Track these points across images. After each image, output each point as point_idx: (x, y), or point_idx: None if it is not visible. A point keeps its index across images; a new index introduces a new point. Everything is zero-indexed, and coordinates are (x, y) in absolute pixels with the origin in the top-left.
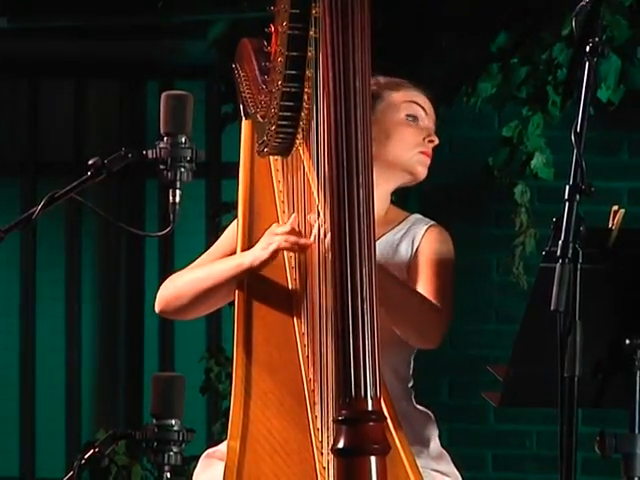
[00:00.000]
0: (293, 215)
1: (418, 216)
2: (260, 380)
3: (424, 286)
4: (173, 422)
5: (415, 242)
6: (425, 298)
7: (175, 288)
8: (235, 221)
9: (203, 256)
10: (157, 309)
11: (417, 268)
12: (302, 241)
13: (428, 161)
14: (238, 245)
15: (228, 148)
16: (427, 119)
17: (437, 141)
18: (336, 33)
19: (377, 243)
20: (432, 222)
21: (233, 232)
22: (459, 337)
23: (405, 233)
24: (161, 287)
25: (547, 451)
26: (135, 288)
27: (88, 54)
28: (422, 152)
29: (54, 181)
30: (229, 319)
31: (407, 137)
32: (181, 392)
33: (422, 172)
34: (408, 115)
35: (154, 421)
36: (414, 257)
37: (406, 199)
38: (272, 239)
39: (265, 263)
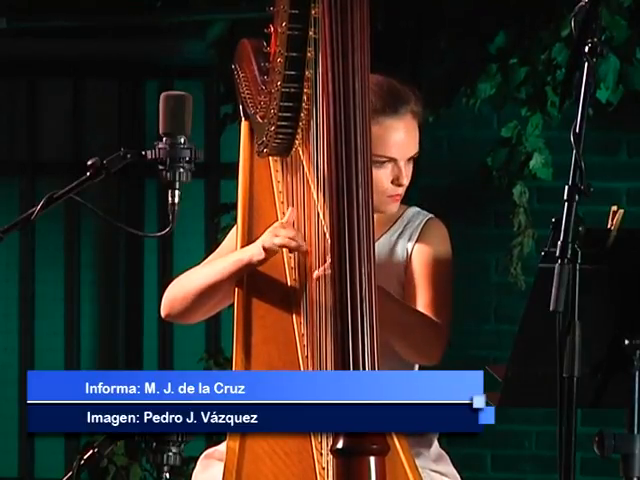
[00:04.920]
0: (290, 209)
1: (414, 209)
2: None
3: (422, 297)
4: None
5: (411, 243)
6: (423, 316)
7: (178, 289)
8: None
9: (205, 261)
10: (163, 314)
11: (414, 274)
12: (303, 248)
13: (397, 201)
14: (238, 245)
15: (227, 149)
16: (400, 157)
17: (406, 183)
18: (335, 33)
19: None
20: (428, 216)
21: (234, 237)
22: (457, 337)
23: (402, 232)
24: (165, 293)
25: (546, 451)
26: (134, 288)
27: (87, 54)
28: (390, 196)
29: (53, 181)
30: (228, 319)
31: (375, 181)
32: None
33: (391, 210)
34: (377, 156)
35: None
36: (412, 258)
37: (405, 199)
38: (272, 239)
39: (263, 260)
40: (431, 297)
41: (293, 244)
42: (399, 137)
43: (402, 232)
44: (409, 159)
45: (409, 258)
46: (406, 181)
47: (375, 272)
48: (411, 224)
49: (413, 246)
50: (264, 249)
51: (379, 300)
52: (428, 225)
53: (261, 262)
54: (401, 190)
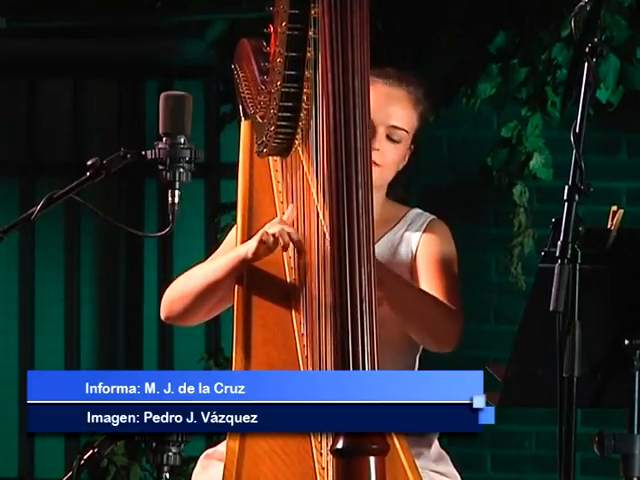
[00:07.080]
0: (291, 206)
1: (417, 211)
2: None
3: (432, 288)
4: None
5: (415, 241)
6: (438, 300)
7: (177, 290)
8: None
9: (205, 262)
10: (162, 316)
11: (421, 270)
12: (298, 243)
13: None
14: (237, 245)
15: (227, 148)
16: (377, 121)
17: (386, 158)
18: (335, 33)
19: (377, 244)
20: (431, 217)
21: (234, 237)
22: None
23: (405, 232)
24: (164, 295)
25: (546, 451)
26: (134, 288)
27: (87, 54)
28: None
29: (53, 181)
30: (228, 319)
31: None
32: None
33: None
34: None
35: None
36: (416, 257)
37: (405, 199)
38: (269, 231)
39: (260, 254)
40: (442, 288)
41: (286, 238)
42: (380, 99)
43: (405, 232)
44: (389, 135)
45: (414, 258)
46: (385, 157)
47: (375, 272)
48: (414, 224)
49: (417, 246)
50: (260, 242)
51: (396, 286)
52: (431, 225)
53: (258, 256)
54: (375, 157)
